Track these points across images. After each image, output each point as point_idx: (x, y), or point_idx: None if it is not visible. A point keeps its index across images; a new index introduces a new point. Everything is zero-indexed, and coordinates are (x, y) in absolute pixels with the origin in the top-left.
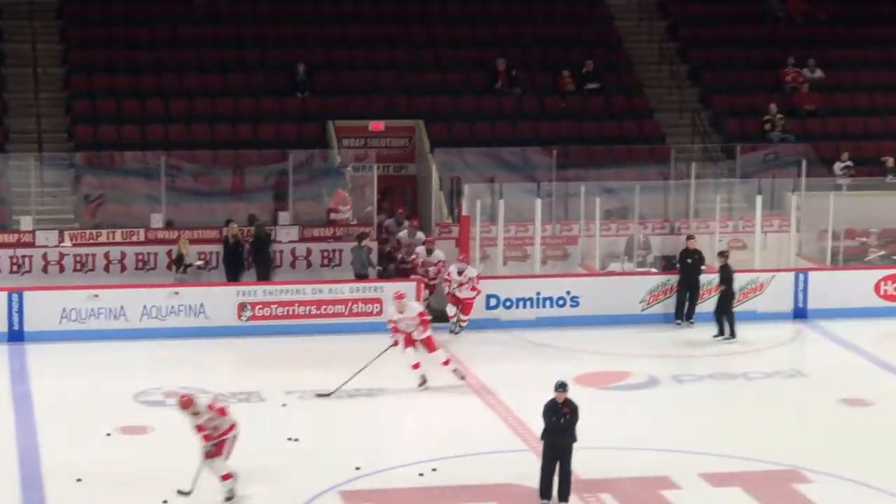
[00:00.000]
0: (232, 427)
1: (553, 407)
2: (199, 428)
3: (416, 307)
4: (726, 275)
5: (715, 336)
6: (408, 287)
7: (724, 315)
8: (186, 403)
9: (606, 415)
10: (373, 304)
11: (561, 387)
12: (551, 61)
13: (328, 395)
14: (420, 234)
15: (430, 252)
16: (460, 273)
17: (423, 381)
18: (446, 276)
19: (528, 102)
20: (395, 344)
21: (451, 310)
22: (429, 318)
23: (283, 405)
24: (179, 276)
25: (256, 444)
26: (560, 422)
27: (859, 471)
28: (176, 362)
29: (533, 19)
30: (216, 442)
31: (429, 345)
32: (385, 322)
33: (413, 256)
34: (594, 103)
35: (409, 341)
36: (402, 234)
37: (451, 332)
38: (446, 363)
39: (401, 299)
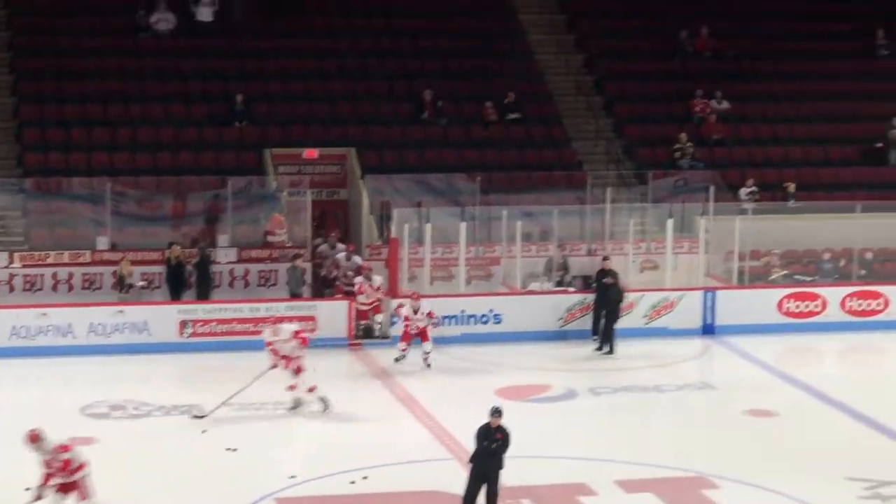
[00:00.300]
0: (81, 466)
1: (486, 431)
2: (46, 464)
3: (289, 328)
4: (614, 293)
5: (596, 350)
6: (339, 306)
7: (608, 330)
8: (33, 439)
9: (527, 425)
10: (307, 322)
11: (496, 412)
12: (475, 93)
13: (202, 416)
14: (357, 259)
15: (368, 278)
16: (416, 311)
17: (297, 405)
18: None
19: (453, 132)
20: (275, 366)
21: (402, 344)
22: (307, 336)
23: (199, 418)
24: (122, 296)
25: (196, 454)
26: (491, 446)
27: (763, 477)
28: (120, 377)
29: (458, 54)
30: (67, 479)
31: (297, 369)
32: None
33: (358, 285)
34: (515, 132)
35: (287, 362)
36: (340, 256)
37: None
38: (311, 390)
39: (276, 324)
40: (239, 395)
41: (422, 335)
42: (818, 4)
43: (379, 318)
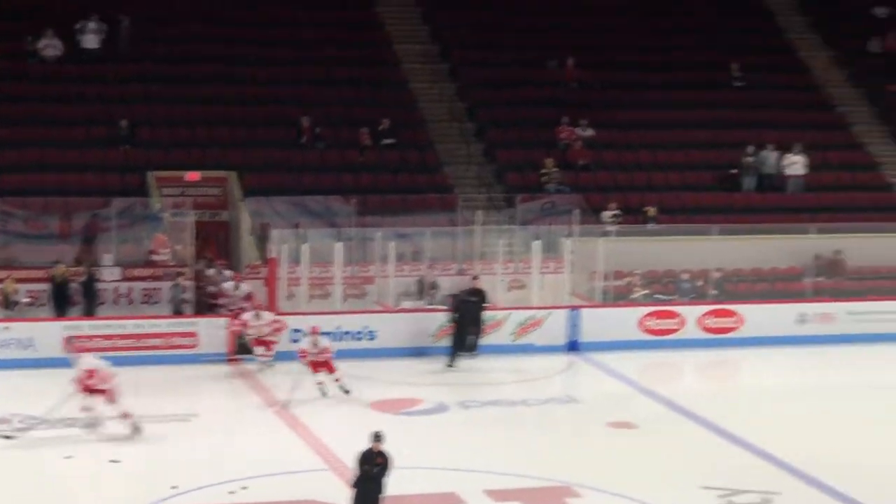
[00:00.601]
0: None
1: (368, 456)
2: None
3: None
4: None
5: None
6: (219, 323)
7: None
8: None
9: (400, 438)
10: (188, 338)
11: (377, 437)
12: (352, 119)
13: (10, 437)
14: (244, 287)
15: (258, 316)
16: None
17: (136, 430)
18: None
19: (330, 156)
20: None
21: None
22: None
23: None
24: (7, 313)
25: (79, 464)
26: (373, 471)
27: (624, 486)
28: (6, 391)
29: (335, 81)
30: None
31: (108, 398)
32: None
33: (245, 321)
34: (390, 157)
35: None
36: (228, 285)
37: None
38: (124, 416)
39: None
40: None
41: (324, 366)
42: (678, 37)
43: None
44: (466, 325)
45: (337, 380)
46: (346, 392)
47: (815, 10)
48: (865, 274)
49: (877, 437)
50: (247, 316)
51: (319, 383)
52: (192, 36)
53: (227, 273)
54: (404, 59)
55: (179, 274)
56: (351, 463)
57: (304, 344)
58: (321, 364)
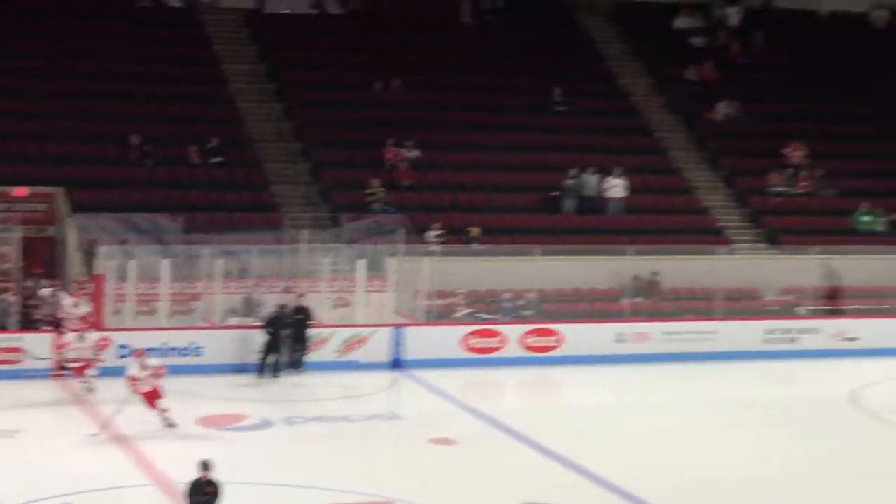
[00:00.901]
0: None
1: (197, 487)
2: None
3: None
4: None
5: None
6: (44, 338)
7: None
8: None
9: (225, 453)
10: (13, 353)
11: (204, 466)
12: (180, 137)
13: None
14: (83, 305)
15: (76, 305)
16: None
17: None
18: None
19: (158, 173)
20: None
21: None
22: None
23: None
24: None
25: None
26: (202, 500)
27: (445, 500)
28: None
29: (164, 99)
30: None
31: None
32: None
33: (67, 342)
34: (218, 175)
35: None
36: (66, 303)
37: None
38: None
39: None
40: None
41: (152, 396)
42: (503, 63)
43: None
44: (290, 342)
45: (163, 409)
46: (171, 426)
47: (636, 38)
48: (680, 295)
49: (690, 452)
50: (70, 337)
51: (163, 410)
52: (18, 51)
53: (62, 293)
54: (232, 78)
55: (5, 290)
56: (177, 478)
57: (133, 370)
58: (151, 394)
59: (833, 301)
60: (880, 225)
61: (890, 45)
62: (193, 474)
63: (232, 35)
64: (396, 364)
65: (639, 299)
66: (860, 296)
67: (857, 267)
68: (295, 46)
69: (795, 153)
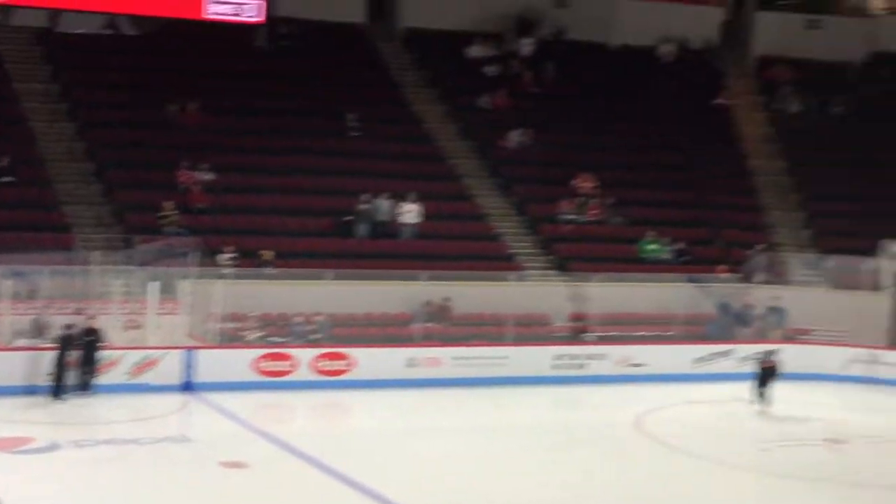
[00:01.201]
0: None
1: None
2: None
3: None
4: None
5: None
6: None
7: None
8: None
9: (11, 478)
10: None
11: None
12: None
13: None
14: None
15: None
16: None
17: None
18: None
19: None
20: None
21: None
22: None
23: None
24: None
25: None
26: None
27: None
28: None
29: None
30: None
31: None
32: None
33: None
34: (8, 194)
35: None
36: None
37: None
38: None
39: None
40: None
41: None
42: (299, 87)
43: None
44: (80, 363)
45: None
46: None
47: (430, 66)
48: (472, 320)
49: (477, 476)
50: None
51: None
52: None
53: None
54: (24, 97)
55: None
56: None
57: None
58: None
59: (579, 326)
60: (666, 253)
61: (676, 78)
62: None
63: (23, 53)
64: (187, 387)
65: (430, 324)
66: (645, 322)
67: (642, 294)
68: (88, 66)
69: (584, 184)
